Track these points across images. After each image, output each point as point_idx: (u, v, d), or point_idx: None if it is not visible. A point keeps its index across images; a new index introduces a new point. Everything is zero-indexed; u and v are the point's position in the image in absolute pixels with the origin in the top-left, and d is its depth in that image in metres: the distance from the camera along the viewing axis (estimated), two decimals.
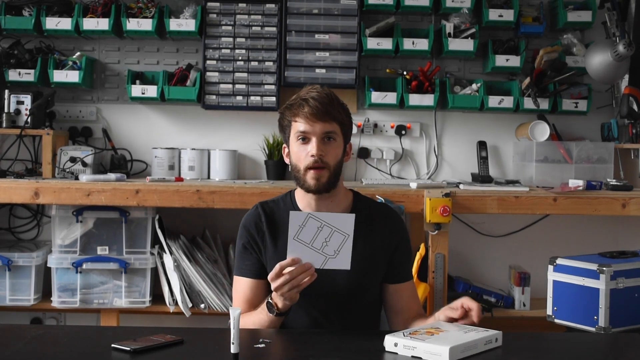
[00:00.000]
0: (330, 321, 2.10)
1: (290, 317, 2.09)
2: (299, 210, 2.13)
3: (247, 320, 2.01)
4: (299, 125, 2.04)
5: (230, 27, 3.63)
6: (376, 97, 3.61)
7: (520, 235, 3.78)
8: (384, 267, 2.16)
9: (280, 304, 1.93)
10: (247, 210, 2.20)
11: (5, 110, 3.50)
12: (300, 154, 2.05)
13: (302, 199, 2.14)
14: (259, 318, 1.99)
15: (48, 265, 3.34)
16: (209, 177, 3.66)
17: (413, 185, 3.33)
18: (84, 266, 3.31)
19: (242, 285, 2.14)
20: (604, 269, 2.75)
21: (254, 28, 3.63)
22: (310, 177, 2.04)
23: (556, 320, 2.90)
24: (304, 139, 2.04)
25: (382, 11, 3.68)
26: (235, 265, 2.19)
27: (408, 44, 3.58)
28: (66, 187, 3.20)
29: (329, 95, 2.06)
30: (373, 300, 2.19)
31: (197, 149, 3.67)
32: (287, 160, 2.14)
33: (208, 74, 3.63)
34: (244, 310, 2.08)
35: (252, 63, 3.63)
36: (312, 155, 2.02)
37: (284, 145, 2.15)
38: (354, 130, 3.72)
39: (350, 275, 2.07)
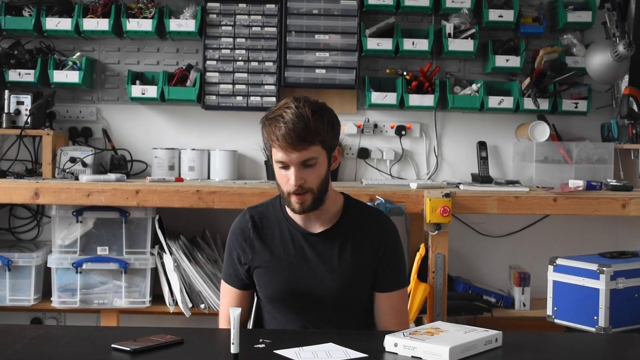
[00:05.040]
0: (320, 327, 2.07)
1: (281, 322, 2.09)
2: (288, 216, 2.10)
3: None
4: (275, 153, 1.97)
5: (230, 28, 3.63)
6: (376, 97, 3.61)
7: (520, 235, 3.77)
8: (372, 274, 2.10)
9: None
10: None
11: (5, 110, 3.50)
12: (282, 179, 2.00)
13: None
14: None
15: (48, 265, 3.34)
16: (209, 178, 3.66)
17: (413, 185, 3.33)
18: (84, 266, 3.31)
19: (227, 292, 2.17)
20: (604, 269, 2.75)
21: (254, 28, 3.63)
22: (294, 202, 2.00)
23: (556, 321, 2.90)
24: (283, 166, 1.99)
25: (382, 11, 3.68)
26: (223, 267, 2.20)
27: (408, 44, 3.58)
28: (66, 187, 3.20)
29: (303, 118, 1.92)
30: (364, 307, 2.13)
31: (197, 149, 3.67)
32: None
33: (208, 74, 3.63)
34: (227, 315, 2.11)
35: (252, 63, 3.63)
36: (293, 184, 1.98)
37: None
38: (354, 130, 3.74)
39: (339, 282, 2.05)
